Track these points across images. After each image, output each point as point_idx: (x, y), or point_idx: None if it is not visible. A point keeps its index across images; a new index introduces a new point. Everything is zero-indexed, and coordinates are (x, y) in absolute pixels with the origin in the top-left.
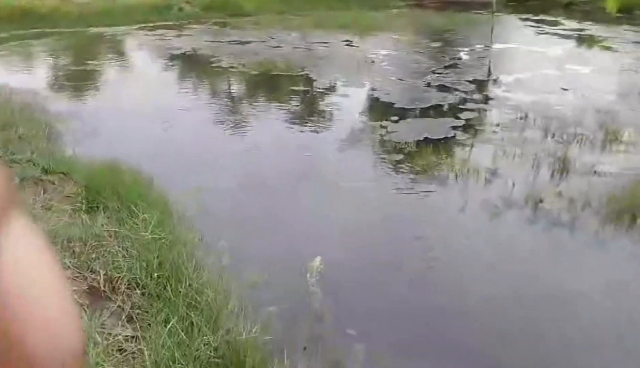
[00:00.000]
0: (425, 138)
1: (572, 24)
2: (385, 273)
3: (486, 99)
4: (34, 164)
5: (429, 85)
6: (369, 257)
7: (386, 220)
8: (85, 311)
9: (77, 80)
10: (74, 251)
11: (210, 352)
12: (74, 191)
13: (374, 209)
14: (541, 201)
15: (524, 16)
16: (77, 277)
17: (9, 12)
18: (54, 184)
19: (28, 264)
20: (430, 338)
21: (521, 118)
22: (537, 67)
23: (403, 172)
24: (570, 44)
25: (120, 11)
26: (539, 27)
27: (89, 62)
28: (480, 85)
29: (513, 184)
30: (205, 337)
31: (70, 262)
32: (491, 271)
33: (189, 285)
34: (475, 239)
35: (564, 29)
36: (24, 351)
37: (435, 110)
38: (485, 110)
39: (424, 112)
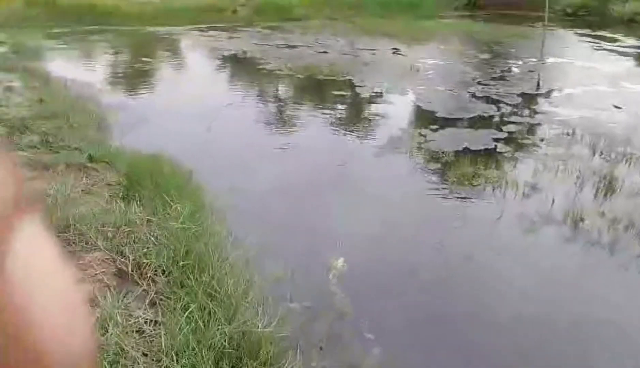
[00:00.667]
0: (465, 148)
1: (632, 41)
2: (408, 281)
3: (533, 113)
4: (80, 152)
5: (473, 96)
6: (393, 263)
7: (416, 228)
8: (111, 292)
9: (131, 76)
10: (107, 235)
11: (225, 341)
12: (114, 179)
13: (404, 216)
14: (582, 220)
15: (581, 31)
16: (107, 259)
17: (74, 8)
18: (97, 171)
19: (40, 268)
20: (448, 348)
21: (568, 134)
22: (590, 83)
23: (438, 181)
24: (628, 61)
25: (177, 12)
26: (596, 42)
27: (143, 59)
28: (528, 98)
29: (553, 200)
30: (221, 327)
31: (102, 244)
32: (519, 290)
33: (212, 275)
34: (506, 254)
35: (622, 46)
36: (38, 355)
37: (478, 122)
38: (531, 124)
39: (466, 123)
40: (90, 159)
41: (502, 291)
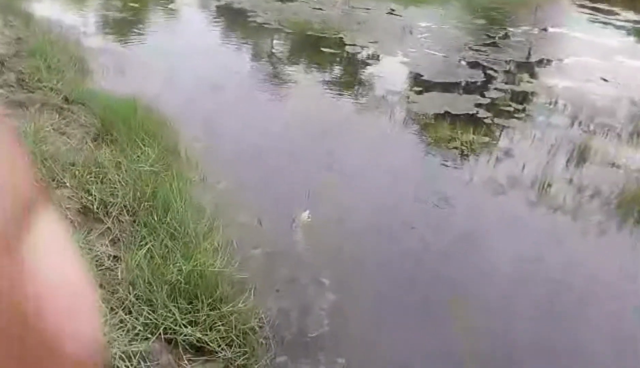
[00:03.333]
0: (445, 112)
1: (630, 15)
2: (369, 233)
3: (519, 81)
4: (56, 93)
5: (462, 60)
6: (358, 216)
7: (386, 184)
8: (74, 228)
9: (116, 20)
10: (75, 173)
11: (181, 277)
12: (89, 121)
13: (376, 172)
14: (549, 186)
15: (580, 2)
16: (72, 196)
17: None
18: (72, 112)
19: (55, 266)
20: (394, 294)
21: (550, 103)
22: (581, 55)
23: (415, 142)
24: (624, 35)
25: None
26: (594, 14)
27: (132, 4)
28: (516, 66)
29: (523, 166)
30: (178, 264)
31: (69, 182)
32: (480, 248)
33: (174, 217)
34: (469, 214)
35: (620, 20)
36: (55, 350)
37: (462, 87)
38: (515, 92)
39: (450, 87)
40: (66, 100)
41: (460, 248)
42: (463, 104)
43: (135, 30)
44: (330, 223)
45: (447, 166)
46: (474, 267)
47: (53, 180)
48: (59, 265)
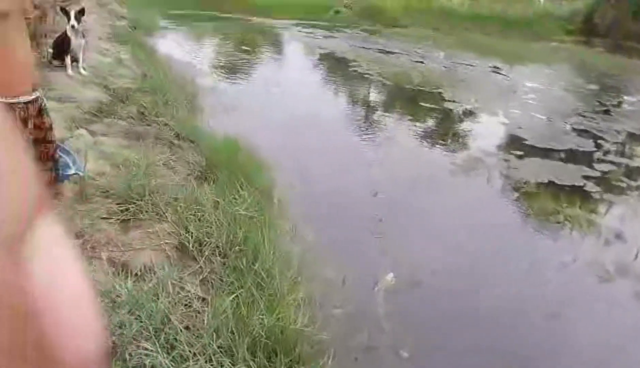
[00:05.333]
0: (549, 181)
1: None
2: (455, 304)
3: (633, 154)
4: (169, 128)
5: (570, 127)
6: (444, 280)
7: (480, 258)
8: (170, 263)
9: (229, 61)
10: (176, 209)
11: (262, 331)
12: (194, 158)
13: (471, 242)
14: None
15: None
16: (172, 232)
17: None
18: (181, 148)
19: (58, 272)
20: None
21: None
22: None
23: (512, 210)
24: None
25: (284, 6)
26: None
27: (244, 48)
28: (631, 138)
29: (637, 254)
30: (262, 316)
31: (170, 217)
32: (574, 336)
33: (263, 265)
34: (567, 298)
35: None
36: (55, 355)
37: (569, 155)
38: (629, 167)
39: (556, 155)
40: (177, 136)
41: (552, 332)
42: (569, 174)
43: (244, 73)
44: (415, 288)
45: (546, 241)
46: (564, 355)
47: (157, 214)
48: (58, 269)
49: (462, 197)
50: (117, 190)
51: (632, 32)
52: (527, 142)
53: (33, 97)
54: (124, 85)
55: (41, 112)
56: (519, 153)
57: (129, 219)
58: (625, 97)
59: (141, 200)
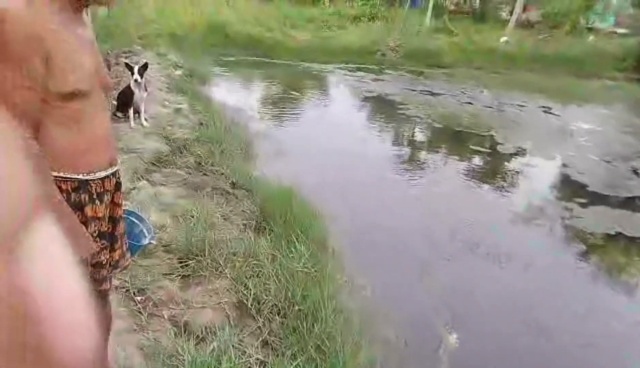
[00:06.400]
0: (618, 233)
1: None
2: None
3: None
4: (225, 177)
5: (634, 171)
6: (506, 339)
7: (551, 318)
8: (229, 323)
9: (280, 107)
10: (235, 264)
11: None
12: (250, 208)
13: (538, 300)
14: None
15: None
16: (231, 288)
17: (244, 39)
18: (236, 198)
19: (54, 272)
20: None
21: None
22: None
23: (578, 263)
24: None
25: (330, 50)
26: None
27: (294, 92)
28: None
29: None
30: None
31: (229, 273)
32: None
33: (324, 327)
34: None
35: None
36: (53, 355)
37: (637, 203)
38: None
39: (622, 203)
40: (233, 185)
41: None
42: (638, 224)
43: (293, 117)
44: (478, 349)
45: (617, 297)
46: None
47: (216, 269)
48: (54, 269)
49: (523, 246)
50: (178, 245)
51: None
52: (589, 189)
53: (109, 171)
54: (182, 136)
55: (118, 186)
56: (581, 201)
57: (189, 275)
58: None
59: (201, 255)
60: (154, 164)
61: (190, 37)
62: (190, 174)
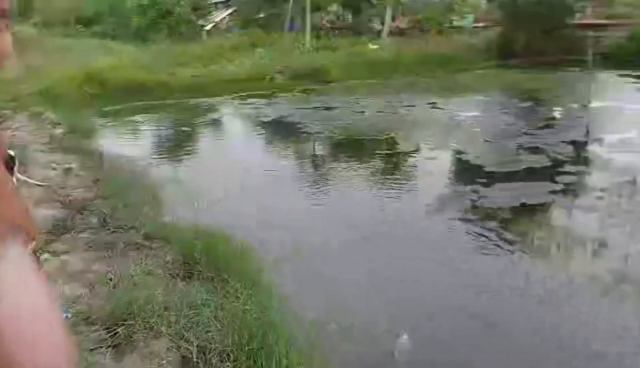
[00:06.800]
0: (521, 203)
1: None
2: (467, 353)
3: (587, 161)
4: (137, 230)
5: (521, 147)
6: (450, 336)
7: (479, 297)
8: None
9: (177, 147)
10: (170, 320)
11: None
12: (171, 257)
13: (462, 281)
14: None
15: (624, 72)
16: (171, 346)
17: (123, 85)
18: (153, 249)
19: (23, 289)
20: None
21: (630, 182)
22: None
23: (497, 241)
24: None
25: (217, 83)
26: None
27: (187, 130)
28: (579, 146)
29: (626, 257)
30: None
31: (166, 330)
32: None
33: (279, 361)
34: (587, 322)
35: None
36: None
37: (530, 174)
38: (588, 174)
39: (517, 176)
40: (147, 237)
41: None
42: (536, 192)
43: (194, 155)
44: (424, 345)
45: (542, 265)
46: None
47: (151, 329)
48: (21, 286)
49: (440, 236)
50: (101, 314)
51: (542, 50)
52: (486, 169)
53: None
54: (78, 196)
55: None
56: (483, 181)
57: (121, 343)
58: (556, 108)
59: (130, 319)
60: (51, 233)
61: (65, 91)
62: (95, 235)
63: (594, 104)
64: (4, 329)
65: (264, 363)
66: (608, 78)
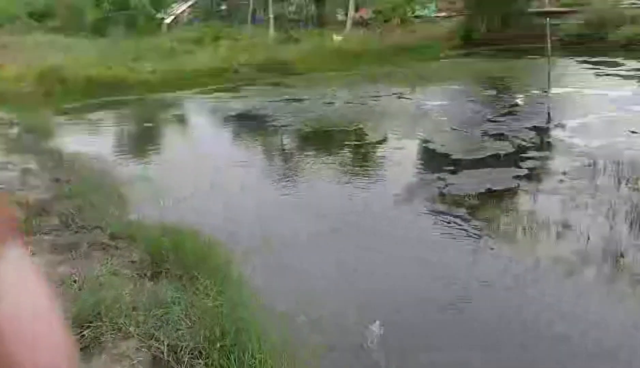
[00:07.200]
0: (487, 189)
1: (633, 64)
2: (436, 339)
3: (549, 146)
4: (101, 230)
5: (485, 134)
6: (423, 325)
7: (450, 283)
8: None
9: (141, 144)
10: (138, 320)
11: None
12: (138, 256)
13: (433, 270)
14: (622, 256)
15: (581, 58)
16: (141, 346)
17: (82, 82)
18: (119, 249)
19: (23, 290)
20: None
21: (590, 165)
22: (601, 110)
23: (465, 228)
24: (634, 84)
25: (181, 78)
26: (598, 68)
27: (151, 125)
28: (542, 131)
29: (588, 238)
30: None
31: (135, 330)
32: (564, 344)
33: (253, 356)
34: (551, 304)
35: (625, 70)
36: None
37: (495, 160)
38: (550, 158)
39: (483, 162)
40: (112, 237)
41: (544, 347)
42: (501, 178)
43: (159, 151)
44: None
45: (509, 249)
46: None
47: (119, 331)
48: (21, 287)
49: (409, 225)
50: (65, 317)
51: (503, 38)
52: (453, 157)
53: None
54: (37, 197)
55: None
56: (450, 168)
57: (88, 346)
58: (519, 95)
59: (97, 321)
60: None
61: (20, 90)
62: (58, 236)
63: (555, 90)
64: (4, 329)
65: (236, 360)
66: (567, 64)
